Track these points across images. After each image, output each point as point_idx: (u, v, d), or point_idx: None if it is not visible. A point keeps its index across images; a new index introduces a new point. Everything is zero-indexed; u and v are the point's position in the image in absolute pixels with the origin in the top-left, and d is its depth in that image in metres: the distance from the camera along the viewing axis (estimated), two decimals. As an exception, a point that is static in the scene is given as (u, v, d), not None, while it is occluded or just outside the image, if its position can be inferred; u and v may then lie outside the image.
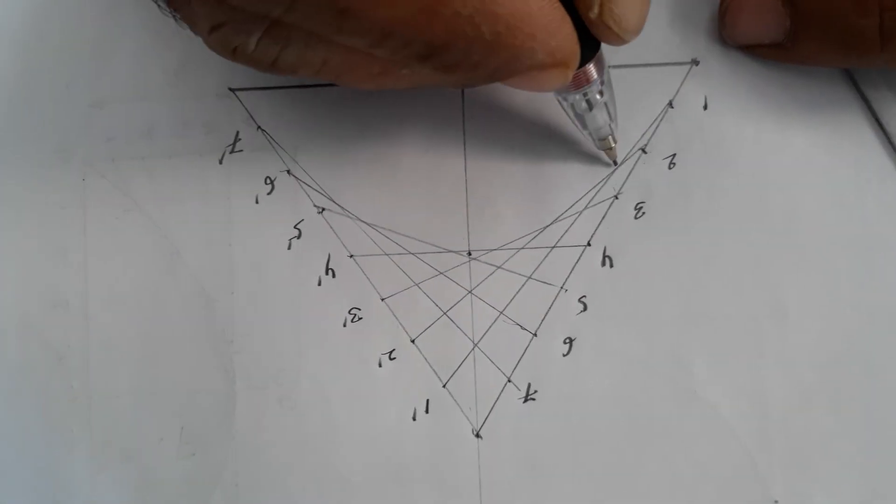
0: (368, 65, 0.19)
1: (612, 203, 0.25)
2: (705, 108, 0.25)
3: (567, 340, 0.25)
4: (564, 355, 0.25)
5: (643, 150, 0.25)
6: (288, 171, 0.26)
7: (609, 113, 0.23)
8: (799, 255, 0.24)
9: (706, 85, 0.25)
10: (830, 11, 0.22)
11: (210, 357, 0.26)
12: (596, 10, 0.19)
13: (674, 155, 0.25)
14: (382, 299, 0.25)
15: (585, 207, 0.25)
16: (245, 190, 0.26)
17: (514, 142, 0.25)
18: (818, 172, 0.25)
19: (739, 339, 0.24)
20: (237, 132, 0.26)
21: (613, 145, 0.24)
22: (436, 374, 0.25)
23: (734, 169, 0.25)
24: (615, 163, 0.25)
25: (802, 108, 0.25)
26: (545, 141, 0.25)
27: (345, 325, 0.25)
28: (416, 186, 0.25)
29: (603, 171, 0.25)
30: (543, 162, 0.25)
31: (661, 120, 0.25)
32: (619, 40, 0.20)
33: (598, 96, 0.22)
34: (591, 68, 0.21)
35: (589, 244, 0.25)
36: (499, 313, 0.25)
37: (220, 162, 0.26)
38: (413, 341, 0.25)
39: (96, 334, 0.26)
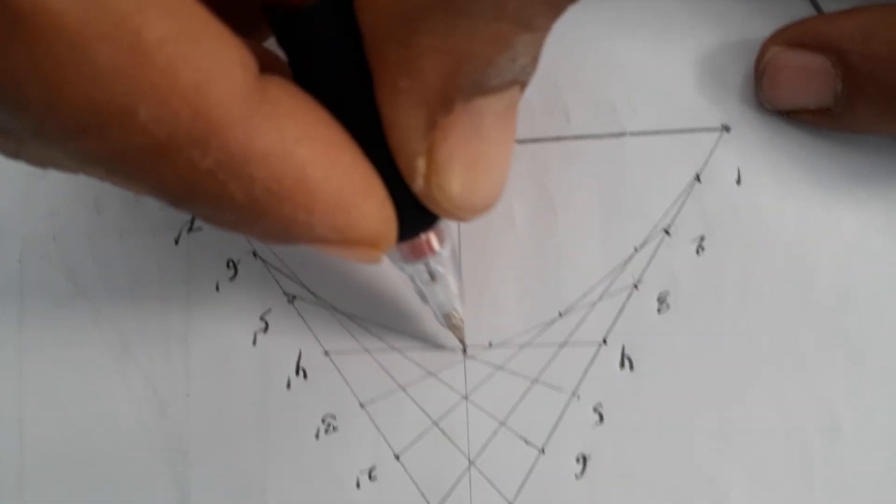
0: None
1: (630, 293, 0.21)
2: (738, 181, 0.21)
3: (580, 458, 0.21)
4: (577, 476, 0.21)
5: (666, 232, 0.21)
6: (254, 253, 0.22)
7: (453, 287, 0.20)
8: (853, 355, 0.21)
9: (739, 155, 0.21)
10: (892, 74, 0.18)
11: (161, 471, 0.22)
12: (420, 181, 0.16)
13: (702, 237, 0.21)
14: (362, 406, 0.22)
15: (600, 298, 0.21)
16: (204, 275, 0.22)
17: (515, 219, 0.22)
18: (872, 257, 0.21)
19: (783, 459, 0.20)
20: (196, 209, 0.23)
21: (460, 325, 0.21)
22: (424, 497, 0.21)
23: (774, 253, 0.21)
24: (464, 346, 0.22)
25: (852, 181, 0.21)
26: (549, 218, 0.22)
27: (317, 437, 0.22)
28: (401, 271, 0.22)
29: (620, 255, 0.21)
30: (550, 242, 0.22)
31: (686, 196, 0.21)
32: (457, 219, 0.17)
33: (440, 268, 0.19)
34: (431, 236, 0.18)
35: (605, 342, 0.21)
36: (499, 424, 0.21)
37: (177, 242, 0.22)
38: (398, 457, 0.21)
39: (31, 443, 0.22)
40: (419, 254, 0.19)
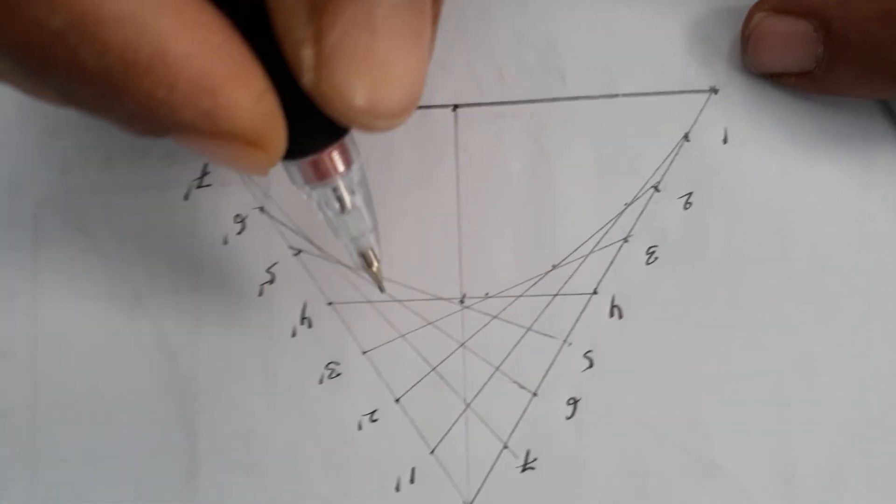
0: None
1: (621, 247, 0.22)
2: (725, 141, 0.22)
3: (571, 401, 0.22)
4: (568, 418, 0.22)
5: (656, 188, 0.22)
6: (260, 209, 0.23)
7: (368, 220, 0.18)
8: (829, 306, 0.22)
9: (726, 116, 0.22)
10: (871, 39, 0.19)
11: (171, 416, 0.23)
12: (309, 75, 0.14)
13: (690, 194, 0.22)
14: (364, 353, 0.23)
15: (592, 251, 0.22)
16: (212, 229, 0.23)
17: (513, 176, 0.23)
18: (850, 214, 0.22)
19: (763, 401, 0.22)
20: (204, 164, 0.23)
21: (376, 264, 0.19)
22: (423, 438, 0.22)
23: (757, 209, 0.22)
24: (381, 289, 0.20)
25: (833, 142, 0.22)
26: (545, 175, 0.23)
27: (321, 382, 0.23)
28: (402, 225, 0.23)
29: (611, 211, 0.22)
30: (545, 198, 0.23)
31: (675, 154, 0.22)
32: (358, 125, 0.15)
33: (347, 195, 0.17)
34: (336, 155, 0.16)
35: (595, 292, 0.22)
36: (494, 369, 0.22)
37: (186, 197, 0.23)
38: (398, 401, 0.23)
39: (44, 389, 0.23)
40: (323, 174, 0.17)
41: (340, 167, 0.17)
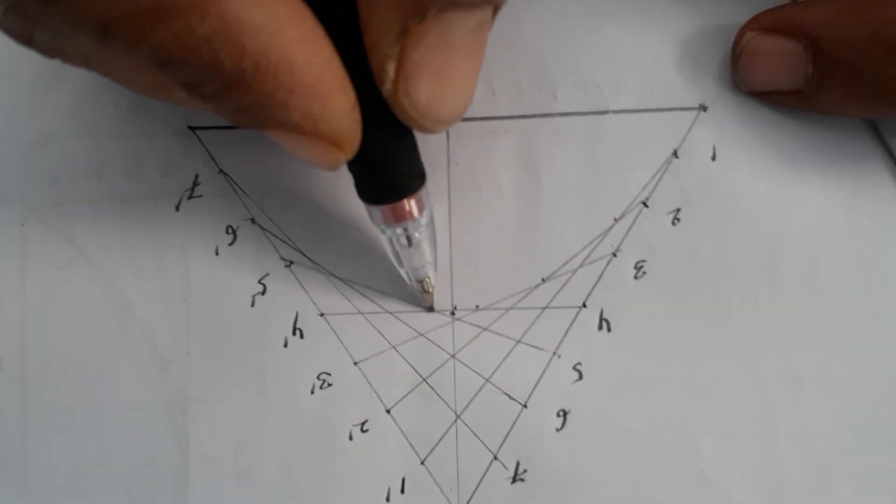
0: (134, 70, 0.17)
1: (609, 261, 0.23)
2: (713, 158, 0.23)
3: (560, 413, 0.23)
4: (558, 430, 0.22)
5: (644, 204, 0.23)
6: (252, 220, 0.23)
7: (428, 254, 0.21)
8: (815, 320, 0.22)
9: (715, 133, 0.23)
10: (860, 59, 0.20)
11: (162, 426, 0.23)
12: (388, 84, 0.17)
13: (678, 210, 0.23)
14: (355, 363, 0.23)
15: (581, 265, 0.23)
16: (204, 240, 0.23)
17: (503, 190, 0.23)
18: (837, 231, 0.22)
19: (751, 411, 0.22)
20: (196, 175, 0.23)
21: (430, 290, 0.22)
22: (413, 449, 0.23)
23: (744, 226, 0.22)
24: (431, 309, 0.23)
25: (820, 160, 0.23)
26: (536, 190, 0.23)
27: (313, 392, 0.23)
28: (395, 237, 0.23)
29: (600, 226, 0.23)
30: (535, 213, 0.23)
31: (664, 171, 0.23)
32: (422, 128, 0.18)
33: (416, 234, 0.20)
34: (413, 203, 0.20)
35: (584, 305, 0.23)
36: (485, 381, 0.23)
37: (177, 208, 0.23)
38: (388, 411, 0.23)
39: (34, 399, 0.23)
40: (399, 218, 0.20)
41: (415, 213, 0.20)
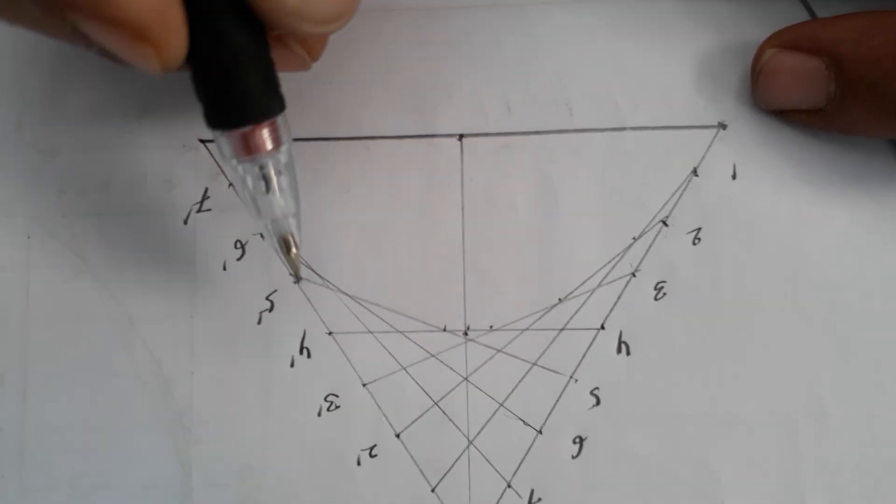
0: None
1: (629, 281, 0.22)
2: (734, 177, 0.22)
3: (577, 440, 0.22)
4: (574, 457, 0.22)
5: (664, 223, 0.22)
6: (261, 235, 0.23)
7: (291, 204, 0.18)
8: (841, 346, 0.21)
9: (735, 151, 0.22)
10: (884, 77, 0.19)
11: (164, 447, 0.22)
12: None
13: (699, 229, 0.22)
14: (364, 385, 0.22)
15: (599, 285, 0.22)
16: (212, 254, 0.23)
17: (518, 206, 0.22)
18: (861, 253, 0.22)
19: (774, 443, 0.21)
20: (205, 189, 0.23)
21: (295, 250, 0.19)
22: (423, 475, 0.22)
23: (766, 247, 0.22)
24: (297, 277, 0.20)
25: (843, 180, 0.22)
26: (552, 207, 0.22)
27: (320, 415, 0.22)
28: (406, 255, 0.22)
29: (619, 245, 0.22)
30: (551, 230, 0.22)
31: (684, 189, 0.22)
32: (285, 26, 0.15)
33: (274, 175, 0.18)
34: (266, 133, 0.17)
35: (602, 328, 0.22)
36: (498, 405, 0.22)
37: (185, 222, 0.23)
38: (398, 436, 0.22)
39: (34, 415, 0.22)
40: (251, 149, 0.17)
41: (269, 145, 0.17)
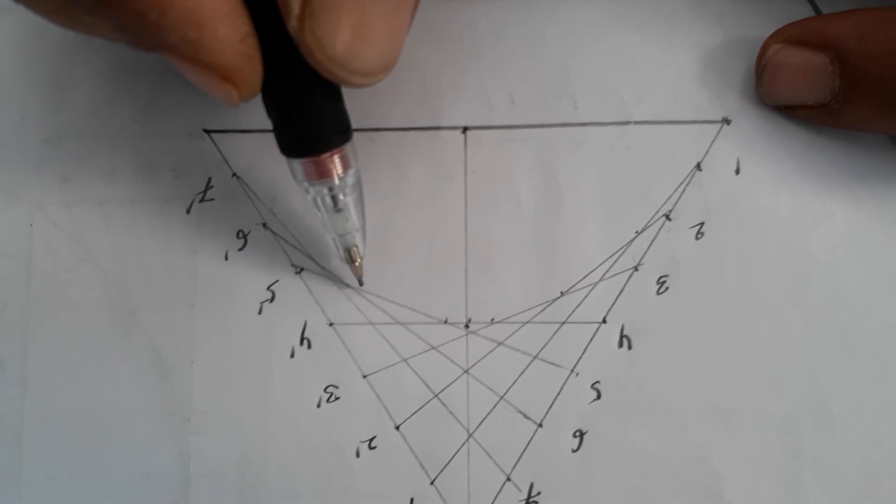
0: None
1: (631, 275, 0.22)
2: (737, 172, 0.22)
3: (577, 433, 0.22)
4: (574, 451, 0.21)
5: (667, 217, 0.22)
6: (264, 225, 0.23)
7: (356, 220, 0.20)
8: (843, 343, 0.21)
9: (739, 147, 0.22)
10: (889, 73, 0.19)
11: (162, 436, 0.22)
12: (294, 22, 0.16)
13: (702, 224, 0.22)
14: (364, 376, 0.22)
15: (601, 279, 0.22)
16: (214, 244, 0.23)
17: (522, 199, 0.22)
18: (864, 249, 0.22)
19: (775, 439, 0.21)
20: (209, 178, 0.23)
21: (359, 260, 0.21)
22: (423, 468, 0.22)
23: (769, 242, 0.22)
24: (360, 283, 0.22)
25: (847, 177, 0.22)
26: (555, 200, 0.22)
27: (319, 406, 0.22)
28: (408, 247, 0.22)
29: (622, 238, 0.22)
30: (554, 223, 0.22)
31: (687, 183, 0.22)
32: (336, 78, 0.17)
33: (342, 196, 0.19)
34: (336, 159, 0.19)
35: (604, 321, 0.22)
36: (499, 398, 0.22)
37: (188, 211, 0.23)
38: (398, 428, 0.22)
39: (33, 403, 0.22)
40: (322, 175, 0.19)
41: (339, 170, 0.19)
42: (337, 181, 0.19)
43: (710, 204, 0.22)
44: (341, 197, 0.19)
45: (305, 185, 0.19)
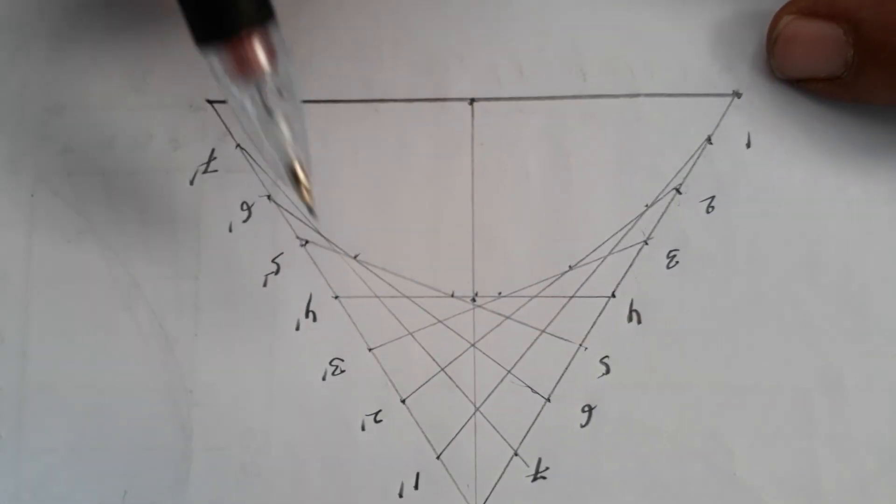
0: None
1: (640, 249, 0.22)
2: (748, 145, 0.22)
3: (586, 408, 0.21)
4: (582, 426, 0.21)
5: (677, 191, 0.22)
6: (268, 197, 0.22)
7: (295, 128, 0.17)
8: (856, 317, 0.21)
9: (750, 120, 0.22)
10: (905, 42, 0.19)
11: (165, 409, 0.22)
12: None
13: (712, 197, 0.22)
14: (370, 350, 0.22)
15: (610, 253, 0.22)
16: (218, 216, 0.22)
17: (530, 172, 0.22)
18: (877, 224, 0.21)
19: (787, 413, 0.21)
20: (212, 150, 0.22)
21: (305, 180, 0.17)
22: (429, 442, 0.21)
23: (781, 216, 0.22)
24: (311, 212, 0.18)
25: (860, 151, 0.22)
26: (564, 173, 0.22)
27: (324, 379, 0.22)
28: (414, 219, 0.22)
29: (631, 212, 0.22)
30: (563, 197, 0.22)
31: (698, 156, 0.22)
32: None
33: (273, 98, 0.17)
34: (257, 44, 0.16)
35: (613, 295, 0.22)
36: (506, 372, 0.22)
37: (191, 182, 0.23)
38: (404, 401, 0.22)
39: (33, 375, 0.22)
40: (244, 67, 0.16)
41: (263, 59, 0.16)
42: (266, 77, 0.16)
43: (720, 178, 0.22)
44: (273, 100, 0.17)
45: (231, 89, 0.16)
